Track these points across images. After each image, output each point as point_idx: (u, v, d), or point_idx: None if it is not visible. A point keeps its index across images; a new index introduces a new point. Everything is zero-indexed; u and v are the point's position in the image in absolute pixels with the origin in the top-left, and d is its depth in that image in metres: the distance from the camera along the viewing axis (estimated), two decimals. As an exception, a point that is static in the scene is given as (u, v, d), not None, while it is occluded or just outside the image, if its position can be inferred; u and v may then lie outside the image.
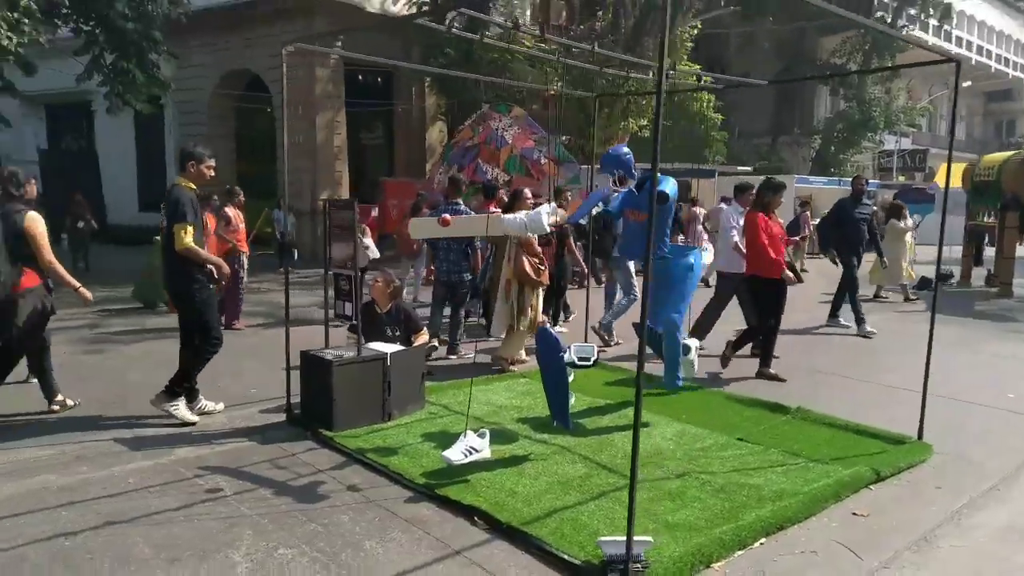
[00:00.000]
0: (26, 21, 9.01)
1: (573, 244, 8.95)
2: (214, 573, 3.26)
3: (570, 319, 9.59)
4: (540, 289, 7.06)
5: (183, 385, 5.43)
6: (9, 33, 8.80)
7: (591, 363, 7.03)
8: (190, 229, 5.20)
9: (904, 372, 6.84)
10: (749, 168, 21.28)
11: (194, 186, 5.42)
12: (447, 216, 4.99)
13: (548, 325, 6.85)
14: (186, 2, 13.97)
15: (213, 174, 5.56)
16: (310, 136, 19.00)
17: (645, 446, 4.94)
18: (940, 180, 24.11)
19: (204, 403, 5.62)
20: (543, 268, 6.96)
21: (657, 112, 2.96)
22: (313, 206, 18.72)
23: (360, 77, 19.84)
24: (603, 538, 3.36)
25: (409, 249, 11.26)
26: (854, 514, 4.07)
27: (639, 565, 3.21)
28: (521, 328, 6.99)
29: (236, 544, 3.52)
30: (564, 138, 20.48)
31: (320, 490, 4.18)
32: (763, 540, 3.73)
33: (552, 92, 14.40)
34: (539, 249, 6.96)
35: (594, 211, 6.11)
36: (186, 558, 3.37)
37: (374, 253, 7.96)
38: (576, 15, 25.93)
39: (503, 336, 7.20)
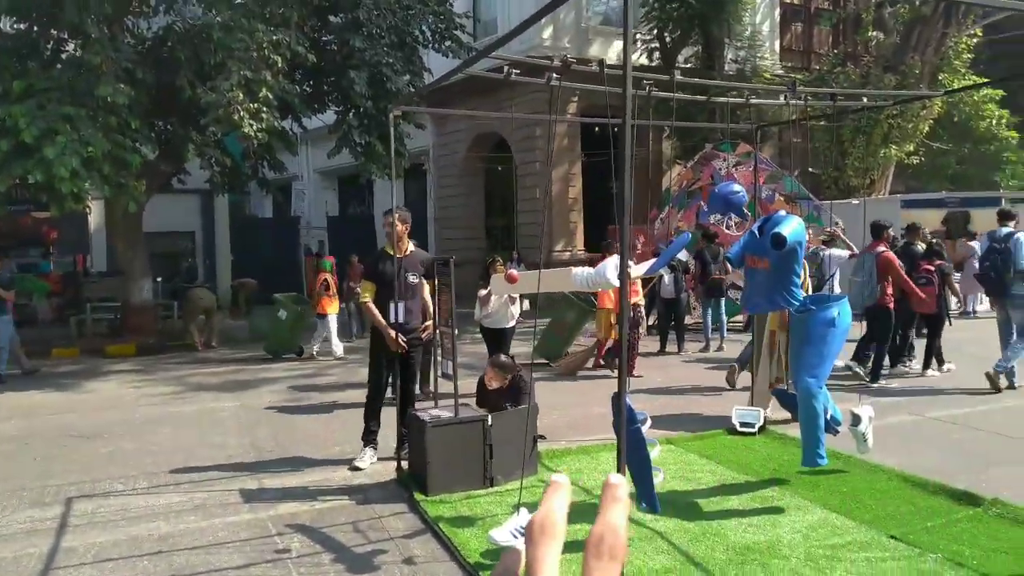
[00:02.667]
0: (265, 110, 10.37)
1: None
2: (220, 640, 3.28)
3: (945, 369, 8.66)
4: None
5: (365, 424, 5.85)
6: (251, 121, 10.18)
7: (755, 430, 6.27)
8: (364, 286, 5.74)
9: None
10: (1049, 192, 17.69)
11: (388, 247, 5.72)
12: (513, 272, 4.72)
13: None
14: (423, 77, 15.13)
15: (389, 230, 5.71)
16: (545, 190, 19.54)
17: (760, 538, 4.17)
18: None
19: (363, 455, 5.78)
20: None
21: (629, 140, 2.48)
22: (548, 258, 19.16)
23: (596, 129, 20.09)
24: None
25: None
26: (1006, 660, 3.01)
27: None
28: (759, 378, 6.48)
29: (261, 611, 3.52)
30: (810, 171, 18.83)
31: (376, 560, 4.07)
32: None
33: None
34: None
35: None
36: (207, 620, 3.45)
37: (515, 313, 7.59)
38: (842, 38, 23.98)
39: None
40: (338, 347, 11.36)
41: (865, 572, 3.72)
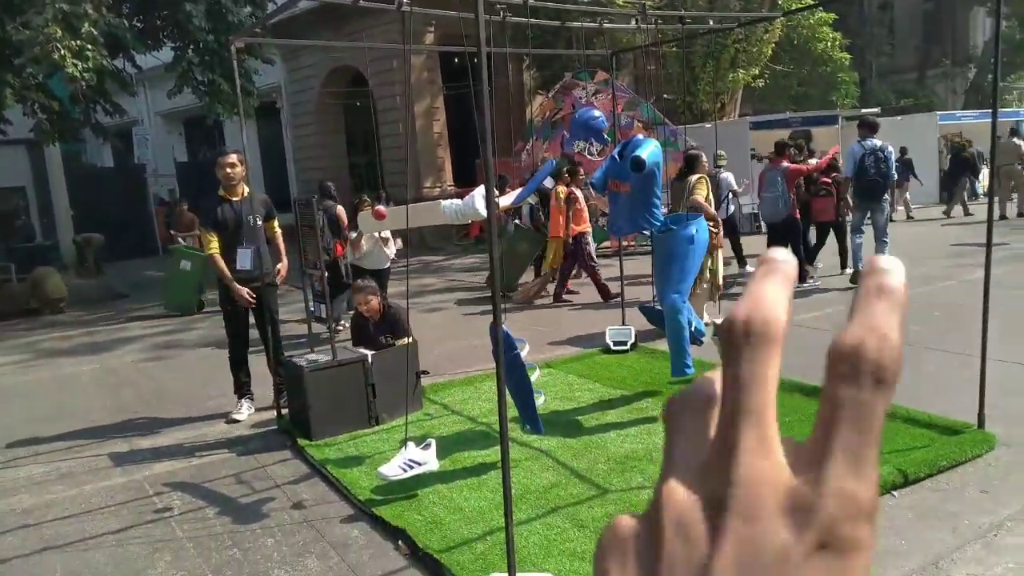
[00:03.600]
0: (89, 47, 9.46)
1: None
2: (104, 608, 3.15)
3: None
4: (716, 252, 6.72)
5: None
6: (74, 60, 9.27)
7: (627, 347, 6.55)
8: (207, 236, 5.38)
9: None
10: (877, 109, 19.13)
11: (223, 192, 5.45)
12: (381, 208, 4.67)
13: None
14: (266, 7, 14.23)
15: (228, 171, 5.42)
16: (408, 125, 19.12)
17: (637, 446, 4.41)
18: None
19: (239, 407, 5.61)
20: (716, 231, 6.63)
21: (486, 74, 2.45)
22: (418, 195, 18.88)
23: (455, 60, 19.72)
24: (497, 574, 2.93)
25: (476, 232, 11.06)
26: (856, 531, 3.36)
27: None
28: (698, 292, 6.67)
29: (146, 574, 3.39)
30: (665, 97, 19.41)
31: (264, 508, 4.01)
32: (722, 567, 3.14)
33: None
34: (714, 212, 6.65)
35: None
36: (87, 590, 3.29)
37: (390, 254, 7.58)
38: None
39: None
40: None
41: (733, 467, 4.02)
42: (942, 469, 3.84)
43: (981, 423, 4.20)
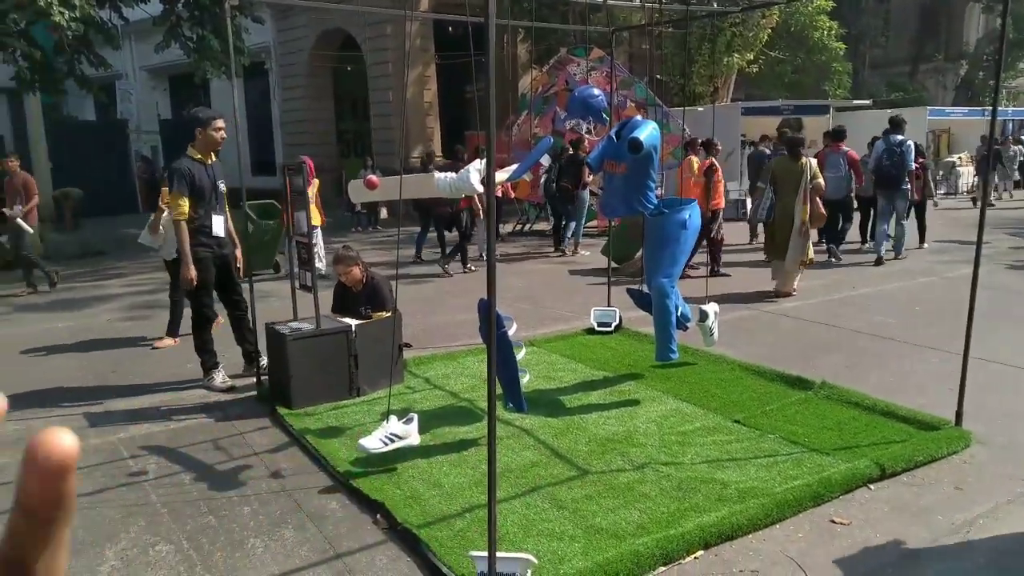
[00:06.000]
0: (77, -5, 9.22)
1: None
2: (76, 572, 3.11)
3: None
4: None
5: (200, 354, 5.43)
6: (61, 8, 9.02)
7: (612, 329, 6.54)
8: (179, 201, 5.10)
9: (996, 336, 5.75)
10: (869, 102, 19.12)
11: (199, 154, 5.24)
12: (373, 177, 4.58)
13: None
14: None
15: (222, 135, 5.26)
16: (400, 92, 18.87)
17: (618, 429, 4.41)
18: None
19: (218, 375, 5.46)
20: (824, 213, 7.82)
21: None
22: (405, 164, 18.70)
23: (450, 28, 19.43)
24: (475, 552, 2.91)
25: (465, 205, 10.93)
26: (832, 522, 3.39)
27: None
28: (791, 268, 7.77)
29: (119, 537, 3.35)
30: (658, 78, 19.29)
31: (242, 476, 3.97)
32: (699, 553, 3.16)
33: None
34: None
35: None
36: (58, 552, 3.24)
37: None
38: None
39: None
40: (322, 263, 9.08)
41: (712, 454, 4.03)
42: (919, 464, 3.87)
43: (959, 420, 4.24)
